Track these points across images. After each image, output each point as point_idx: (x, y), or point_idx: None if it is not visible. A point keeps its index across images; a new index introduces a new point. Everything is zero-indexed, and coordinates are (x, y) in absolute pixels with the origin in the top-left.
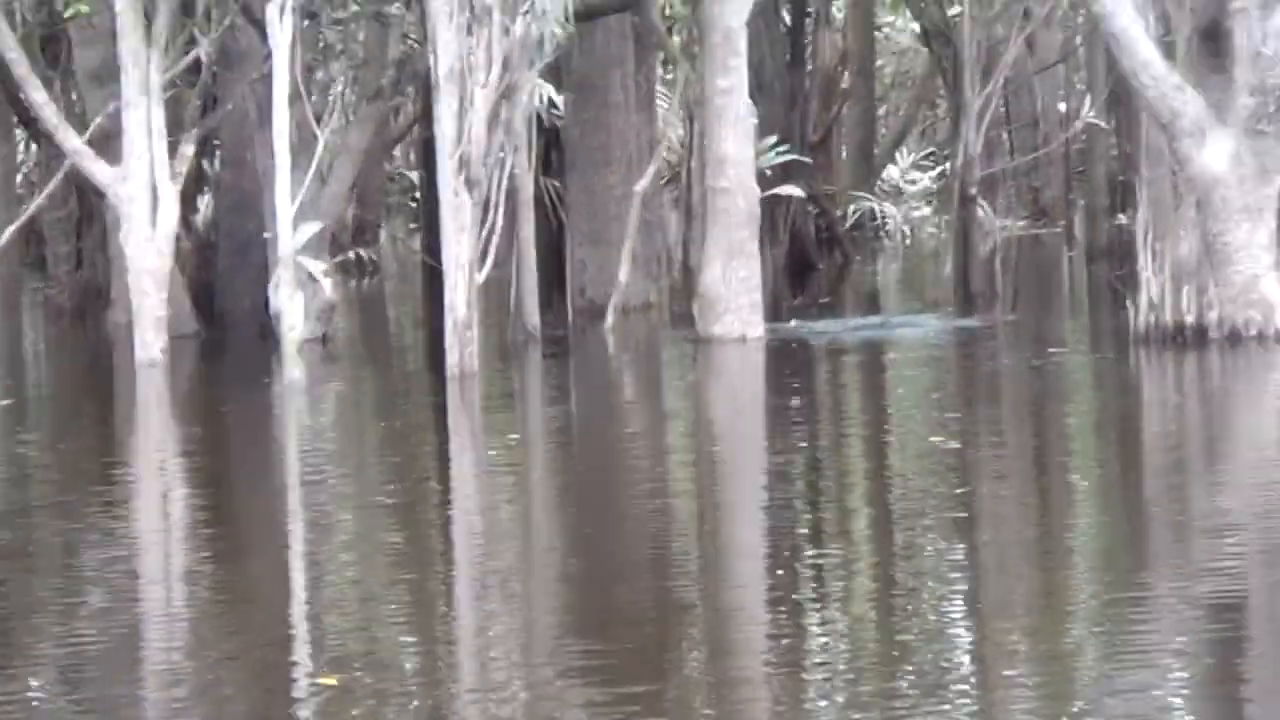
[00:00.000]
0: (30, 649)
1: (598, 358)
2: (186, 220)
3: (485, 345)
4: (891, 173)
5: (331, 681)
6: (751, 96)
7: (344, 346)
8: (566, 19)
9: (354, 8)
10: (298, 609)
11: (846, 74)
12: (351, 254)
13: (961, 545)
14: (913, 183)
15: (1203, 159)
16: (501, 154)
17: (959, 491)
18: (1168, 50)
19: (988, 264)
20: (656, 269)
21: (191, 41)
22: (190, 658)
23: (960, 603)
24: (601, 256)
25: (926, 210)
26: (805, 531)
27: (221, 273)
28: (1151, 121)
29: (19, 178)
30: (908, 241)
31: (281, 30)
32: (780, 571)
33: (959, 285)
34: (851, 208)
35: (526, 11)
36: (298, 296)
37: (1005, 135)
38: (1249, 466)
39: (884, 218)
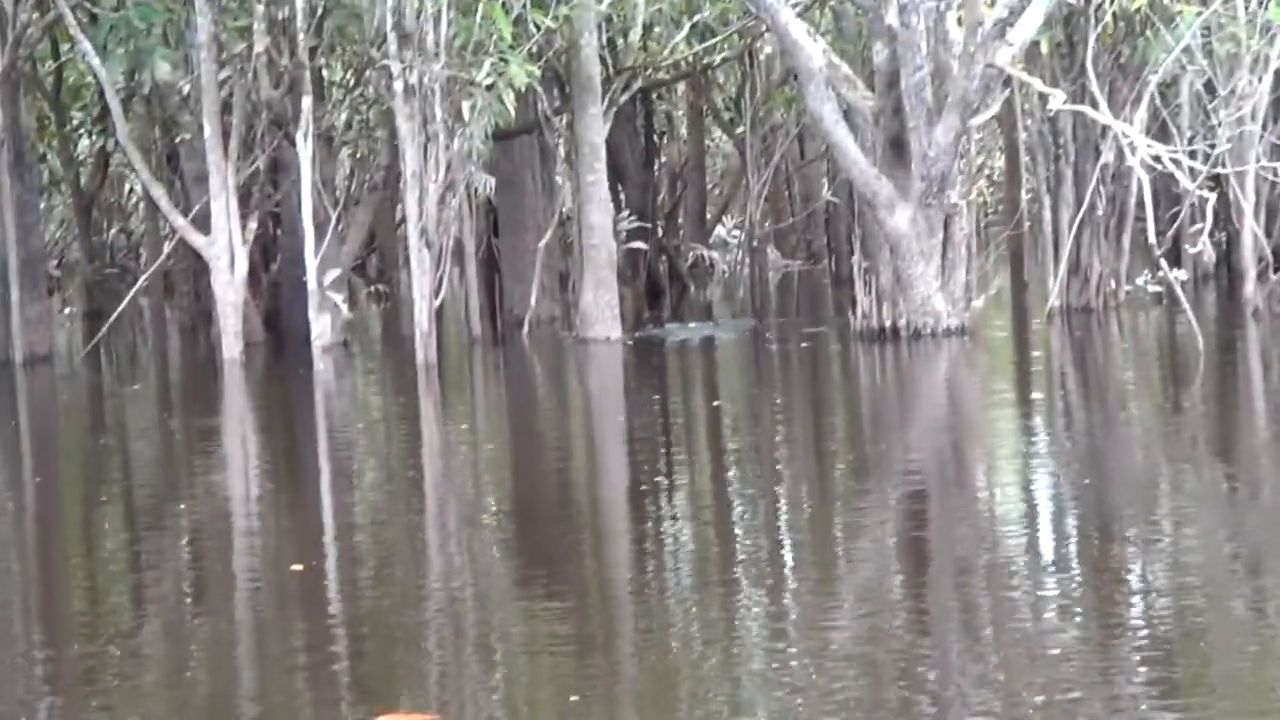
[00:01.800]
0: None
1: (518, 350)
2: (267, 268)
3: (448, 345)
4: (720, 231)
5: None
6: (619, 184)
7: (359, 349)
8: (487, 138)
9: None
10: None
11: (686, 169)
12: (374, 288)
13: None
14: (735, 237)
15: (894, 222)
16: (453, 225)
17: (743, 445)
18: (868, 153)
19: (773, 289)
20: (558, 295)
21: (252, 156)
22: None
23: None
24: (522, 288)
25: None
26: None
27: (284, 302)
28: (861, 197)
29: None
30: (727, 276)
31: (305, 149)
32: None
33: (751, 303)
34: (691, 255)
35: (461, 134)
36: (324, 317)
37: (790, 205)
38: (926, 417)
39: (711, 261)
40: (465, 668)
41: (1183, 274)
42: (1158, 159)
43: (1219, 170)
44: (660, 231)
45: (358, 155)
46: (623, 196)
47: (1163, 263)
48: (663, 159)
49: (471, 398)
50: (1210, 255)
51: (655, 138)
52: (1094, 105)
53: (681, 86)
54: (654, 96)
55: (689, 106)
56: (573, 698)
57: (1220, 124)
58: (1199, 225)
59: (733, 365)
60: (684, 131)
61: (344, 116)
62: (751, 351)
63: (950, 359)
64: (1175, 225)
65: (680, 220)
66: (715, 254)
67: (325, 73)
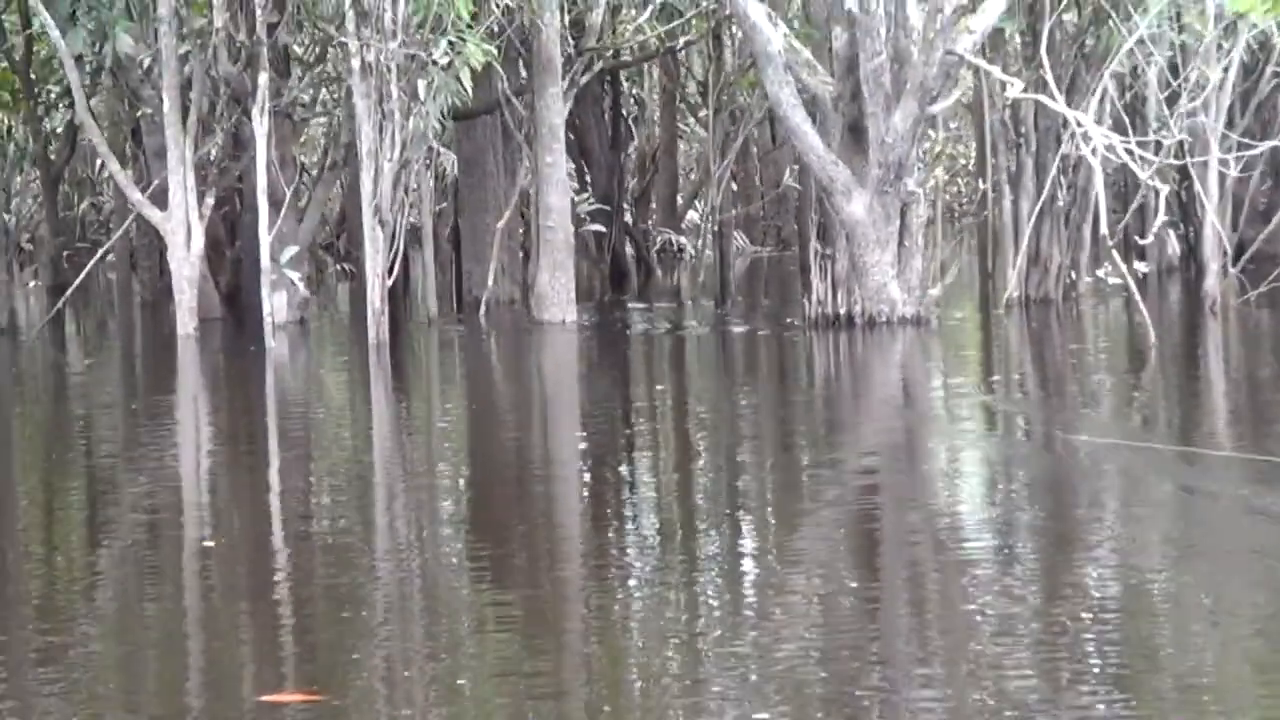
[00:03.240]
0: None
1: (472, 331)
2: (231, 244)
3: (405, 325)
4: (692, 216)
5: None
6: (586, 167)
7: (315, 326)
8: (444, 117)
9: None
10: None
11: (657, 153)
12: (341, 266)
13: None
14: (708, 221)
15: (850, 209)
16: (409, 205)
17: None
18: (827, 138)
19: (740, 275)
20: (518, 276)
21: (213, 132)
22: None
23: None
24: (482, 269)
25: None
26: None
27: (245, 279)
28: (818, 184)
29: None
30: (695, 261)
31: (260, 126)
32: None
33: (716, 289)
34: (659, 239)
35: (417, 113)
36: (279, 295)
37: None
38: (876, 398)
39: (679, 246)
40: (359, 649)
41: (1144, 266)
42: (1111, 149)
43: (1178, 161)
44: (628, 215)
45: (330, 133)
46: (589, 179)
47: (1114, 254)
48: (634, 142)
49: (414, 377)
50: (1176, 248)
51: (626, 121)
52: (1052, 95)
53: (656, 70)
54: (624, 79)
55: (661, 90)
56: (460, 680)
57: (1176, 116)
58: (1160, 217)
59: (677, 351)
60: (655, 115)
61: (310, 93)
62: (698, 337)
63: (901, 348)
64: (1139, 217)
65: (652, 204)
66: (684, 238)
67: (295, 49)
